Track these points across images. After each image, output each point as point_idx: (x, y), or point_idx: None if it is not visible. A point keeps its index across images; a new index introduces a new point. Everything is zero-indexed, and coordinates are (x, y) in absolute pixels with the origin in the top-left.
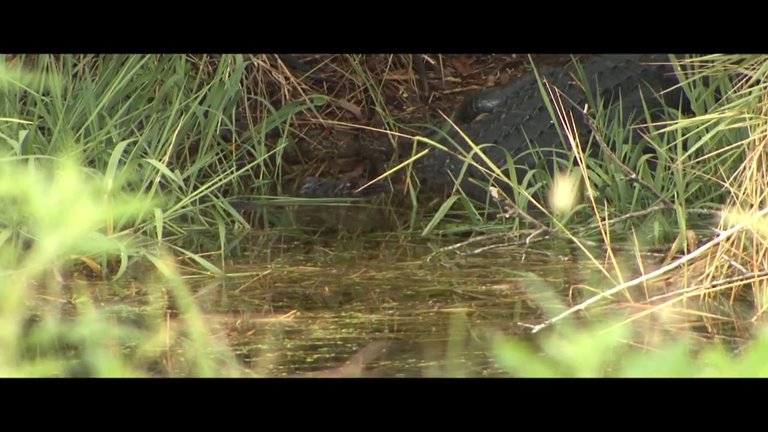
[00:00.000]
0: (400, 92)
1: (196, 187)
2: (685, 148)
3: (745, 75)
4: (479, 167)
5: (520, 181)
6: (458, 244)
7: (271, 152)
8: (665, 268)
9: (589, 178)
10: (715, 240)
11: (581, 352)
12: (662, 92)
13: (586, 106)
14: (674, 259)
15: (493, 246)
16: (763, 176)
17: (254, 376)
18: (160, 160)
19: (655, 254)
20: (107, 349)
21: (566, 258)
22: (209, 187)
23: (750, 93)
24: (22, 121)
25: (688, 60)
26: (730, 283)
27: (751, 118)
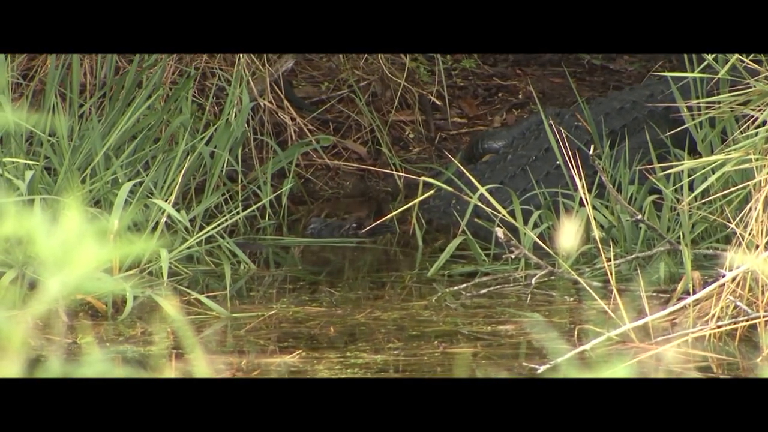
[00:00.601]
0: (407, 133)
1: (202, 228)
2: (691, 189)
3: (752, 116)
4: (485, 208)
5: (525, 222)
6: (464, 285)
7: (277, 193)
8: (671, 308)
9: (594, 218)
10: (721, 281)
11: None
12: (668, 133)
13: (592, 146)
14: (680, 299)
15: (498, 286)
16: None
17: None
18: (166, 201)
19: (661, 295)
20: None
21: (572, 299)
22: (215, 227)
23: (756, 134)
24: (28, 162)
25: (695, 101)
26: (735, 323)
27: (757, 159)
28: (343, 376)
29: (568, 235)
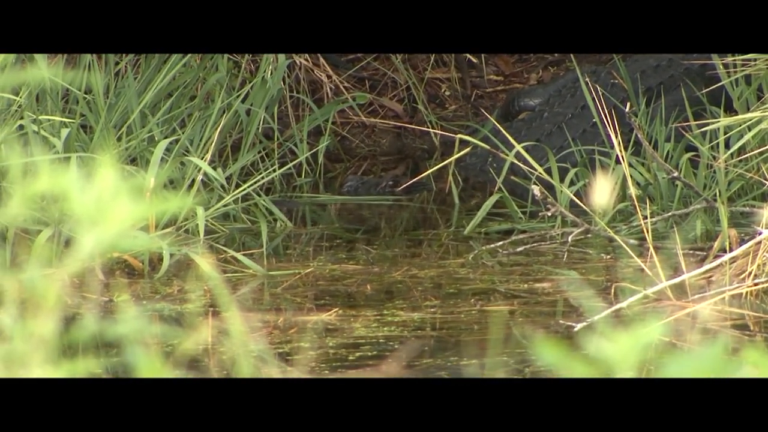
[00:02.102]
0: (443, 90)
1: (238, 186)
2: (727, 146)
3: None
4: (521, 165)
5: (562, 180)
6: (500, 243)
7: (314, 150)
8: (707, 266)
9: (631, 176)
10: (758, 238)
11: (621, 351)
12: (704, 91)
13: (628, 104)
14: (716, 257)
15: (535, 244)
16: None
17: (296, 373)
18: (202, 158)
19: (697, 253)
20: (148, 347)
21: (608, 256)
22: (251, 185)
23: None
24: (64, 120)
25: (731, 59)
26: None
27: None
28: (381, 335)
29: (602, 192)
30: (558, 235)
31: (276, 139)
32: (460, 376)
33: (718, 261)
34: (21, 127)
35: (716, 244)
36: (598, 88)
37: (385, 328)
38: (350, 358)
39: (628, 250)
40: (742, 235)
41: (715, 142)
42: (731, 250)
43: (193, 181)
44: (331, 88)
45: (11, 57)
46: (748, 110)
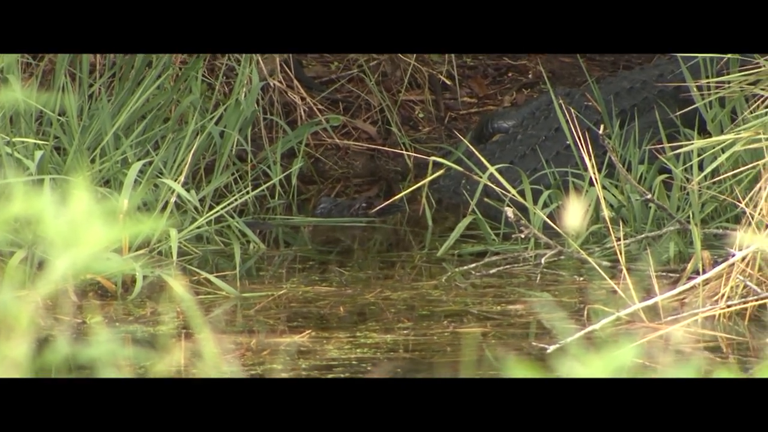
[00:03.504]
0: (416, 113)
1: (211, 207)
2: (700, 168)
3: (761, 96)
4: (495, 188)
5: (535, 202)
6: (473, 264)
7: (287, 172)
8: (680, 288)
9: (604, 198)
10: (731, 260)
11: (593, 373)
12: (678, 113)
13: (602, 126)
14: (689, 279)
15: (508, 266)
16: None
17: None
18: (175, 180)
19: (670, 275)
20: (120, 369)
21: (581, 278)
22: (225, 207)
23: (766, 113)
24: (38, 141)
25: (705, 81)
26: (744, 303)
27: (767, 139)
28: (353, 356)
29: (573, 214)
30: (531, 257)
31: (249, 161)
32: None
33: (691, 283)
34: None
35: (689, 266)
36: (572, 110)
37: (358, 350)
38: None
39: (601, 272)
40: (715, 257)
41: (689, 164)
42: (704, 272)
43: (167, 203)
44: (304, 110)
45: None
46: (721, 132)
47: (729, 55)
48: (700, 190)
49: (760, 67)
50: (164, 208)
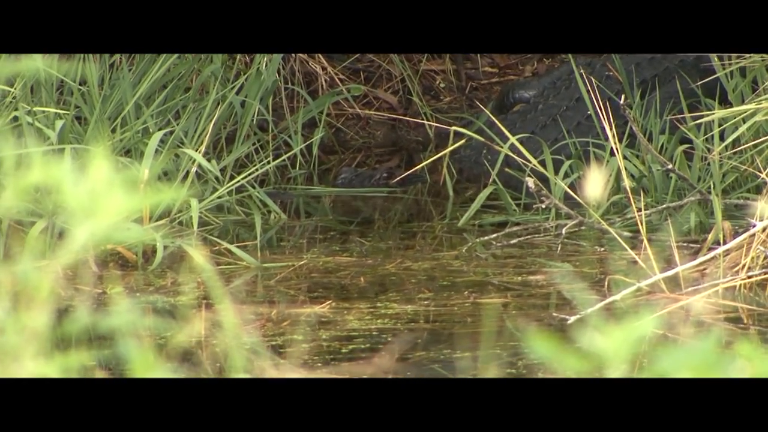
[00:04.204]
0: (437, 82)
1: (232, 177)
2: (721, 138)
3: None
4: (516, 158)
5: (556, 172)
6: (494, 235)
7: (308, 142)
8: (701, 259)
9: (625, 168)
10: (752, 231)
11: (614, 344)
12: (699, 83)
13: (623, 96)
14: (710, 250)
15: (529, 237)
16: None
17: (288, 366)
18: (196, 150)
19: (691, 245)
20: (141, 339)
21: (602, 249)
22: (245, 177)
23: None
24: (58, 111)
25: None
26: (765, 274)
27: None
28: (374, 327)
29: (594, 184)
30: (552, 227)
31: (270, 130)
32: (453, 369)
33: (711, 254)
34: (15, 118)
35: (710, 237)
36: (593, 80)
37: (379, 321)
38: (343, 350)
39: (622, 242)
40: (736, 227)
41: (710, 134)
42: (725, 242)
43: (188, 172)
44: (325, 80)
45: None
46: (742, 102)
47: (746, 60)
48: (721, 161)
49: None
50: (185, 177)
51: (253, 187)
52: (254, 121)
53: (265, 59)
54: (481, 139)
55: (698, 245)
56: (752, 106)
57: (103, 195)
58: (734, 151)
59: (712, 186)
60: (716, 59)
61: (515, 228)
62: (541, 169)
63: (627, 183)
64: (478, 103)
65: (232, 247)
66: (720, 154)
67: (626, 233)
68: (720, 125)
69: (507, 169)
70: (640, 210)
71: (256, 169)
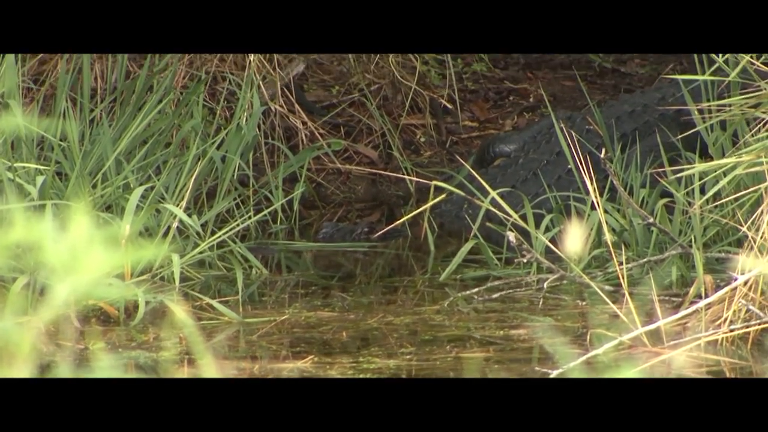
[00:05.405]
0: (418, 137)
1: (213, 233)
2: (702, 192)
3: (763, 119)
4: (497, 212)
5: (537, 226)
6: (476, 289)
7: (289, 197)
8: (682, 312)
9: (606, 222)
10: (733, 284)
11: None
12: (679, 137)
13: (603, 150)
14: (692, 303)
15: (510, 291)
16: None
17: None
18: (177, 206)
19: (673, 299)
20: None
21: (583, 303)
22: (227, 232)
23: (767, 137)
24: (39, 167)
25: (706, 104)
26: (747, 327)
27: None
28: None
29: (576, 238)
30: (533, 281)
31: (251, 186)
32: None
33: (693, 307)
34: None
35: (692, 291)
36: (573, 134)
37: (361, 375)
38: None
39: (603, 296)
40: (718, 281)
41: (691, 188)
42: (707, 296)
43: (169, 228)
44: (306, 135)
45: None
46: (723, 156)
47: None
48: (702, 214)
49: (761, 90)
50: (166, 233)
51: (234, 242)
52: (235, 177)
53: (245, 114)
54: (462, 193)
55: (680, 299)
56: (733, 159)
57: (84, 251)
58: (715, 204)
59: (693, 239)
60: (696, 113)
61: (497, 282)
62: (522, 223)
63: (608, 237)
64: (458, 157)
65: (214, 303)
66: (701, 207)
67: (608, 287)
68: (701, 179)
69: (488, 224)
70: (621, 264)
71: (237, 224)
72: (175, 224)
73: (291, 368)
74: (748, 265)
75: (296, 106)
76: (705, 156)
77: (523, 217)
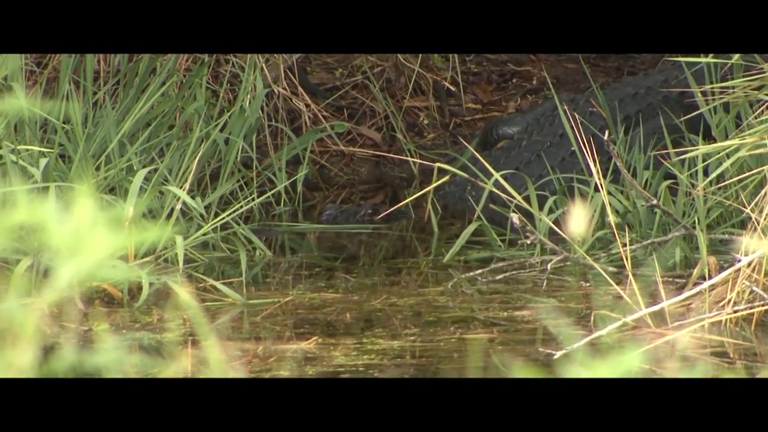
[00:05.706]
0: (421, 119)
1: (217, 215)
2: (706, 174)
3: (766, 101)
4: (500, 194)
5: (541, 208)
6: (479, 271)
7: (292, 179)
8: (686, 294)
9: (610, 204)
10: (737, 266)
11: (598, 375)
12: (683, 118)
13: (606, 132)
14: (695, 284)
15: (514, 272)
16: None
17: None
18: (181, 188)
19: (676, 280)
20: (127, 376)
21: (587, 284)
22: (230, 214)
23: None
24: (42, 149)
25: (709, 86)
26: (751, 308)
27: None
28: (360, 363)
29: (580, 220)
30: (537, 263)
31: (255, 168)
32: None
33: (697, 288)
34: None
35: (695, 272)
36: (577, 116)
37: (365, 357)
38: None
39: (607, 277)
40: (721, 262)
41: (694, 169)
42: (710, 277)
43: (172, 210)
44: (309, 117)
45: None
46: (726, 138)
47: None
48: (705, 196)
49: (764, 72)
50: (170, 215)
51: (238, 224)
52: (238, 159)
53: (248, 96)
54: (466, 175)
55: (683, 280)
56: (736, 141)
57: (88, 233)
58: (719, 186)
59: (696, 221)
60: (699, 95)
61: (500, 264)
62: (526, 205)
63: (612, 218)
64: (461, 139)
65: (218, 284)
66: (704, 189)
67: (611, 268)
68: (704, 160)
69: (492, 205)
70: (624, 245)
71: (241, 206)
72: (178, 206)
73: (295, 349)
74: (751, 247)
75: (299, 88)
76: (708, 138)
77: (527, 199)
